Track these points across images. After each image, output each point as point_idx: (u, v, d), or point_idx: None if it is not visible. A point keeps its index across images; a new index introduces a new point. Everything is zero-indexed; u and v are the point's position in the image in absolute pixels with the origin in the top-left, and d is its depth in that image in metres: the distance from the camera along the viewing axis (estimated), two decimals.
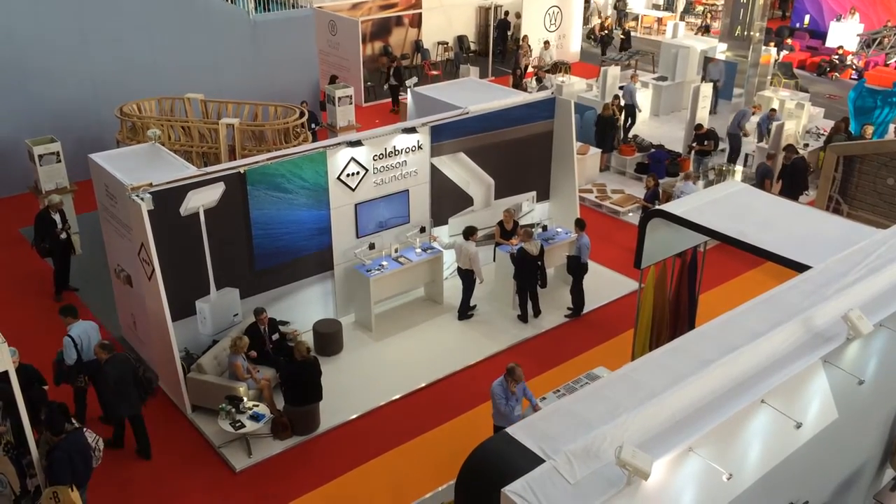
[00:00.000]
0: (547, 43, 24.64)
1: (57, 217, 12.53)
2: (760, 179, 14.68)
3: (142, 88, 16.22)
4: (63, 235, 12.52)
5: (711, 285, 12.58)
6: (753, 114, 18.38)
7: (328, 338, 11.36)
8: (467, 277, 12.05)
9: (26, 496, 7.83)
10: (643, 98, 20.35)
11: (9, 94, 15.67)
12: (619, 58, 23.28)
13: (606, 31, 26.76)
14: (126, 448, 9.61)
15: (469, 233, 11.88)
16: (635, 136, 18.69)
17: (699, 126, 17.11)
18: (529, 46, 23.95)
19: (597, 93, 20.60)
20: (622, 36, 26.82)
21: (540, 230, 13.15)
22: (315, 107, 18.79)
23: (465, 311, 12.26)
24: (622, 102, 18.91)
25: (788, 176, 15.13)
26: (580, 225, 12.27)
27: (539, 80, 21.39)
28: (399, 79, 21.01)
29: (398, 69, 21.09)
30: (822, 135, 17.97)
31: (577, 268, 12.29)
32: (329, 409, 10.13)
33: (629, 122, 19.42)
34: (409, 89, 14.52)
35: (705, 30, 28.60)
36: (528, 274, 11.91)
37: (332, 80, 19.01)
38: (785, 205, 9.54)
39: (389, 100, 21.98)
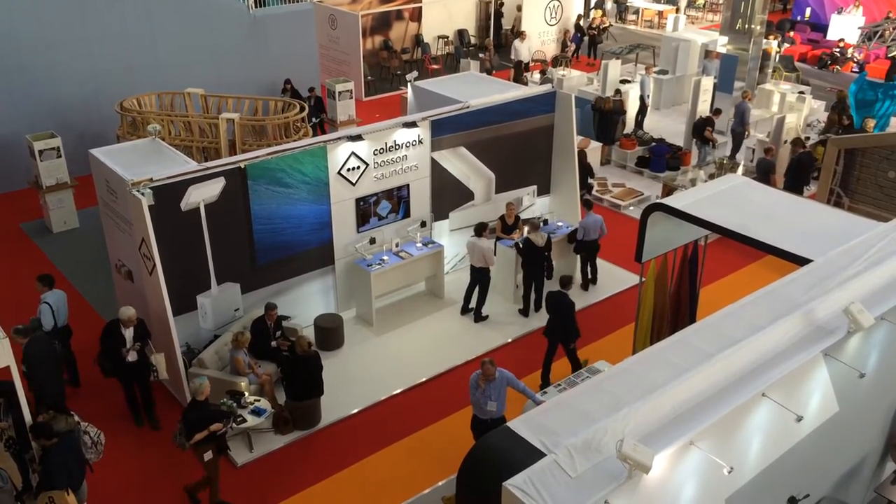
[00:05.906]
0: (522, 34, 23.90)
1: (129, 333, 9.57)
2: (765, 175, 14.53)
3: (142, 83, 16.23)
4: (132, 357, 9.59)
5: (712, 279, 12.58)
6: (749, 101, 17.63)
7: (329, 332, 11.36)
8: (482, 276, 11.87)
9: (28, 491, 7.84)
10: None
11: (10, 89, 15.67)
12: (619, 51, 23.12)
13: (580, 35, 25.98)
14: (127, 442, 9.64)
15: (480, 229, 11.81)
16: (636, 130, 18.64)
17: (718, 111, 17.26)
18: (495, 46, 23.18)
19: (598, 87, 20.55)
20: (593, 32, 26.09)
21: (541, 224, 13.13)
22: (315, 101, 18.73)
23: (481, 314, 12.07)
24: (620, 96, 18.84)
25: (793, 170, 15.08)
26: (587, 204, 12.69)
27: (542, 73, 21.28)
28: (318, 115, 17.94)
29: (318, 100, 18.06)
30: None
31: (574, 242, 12.73)
32: (330, 403, 10.14)
33: (642, 114, 19.39)
34: (409, 83, 14.48)
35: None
36: (535, 265, 11.90)
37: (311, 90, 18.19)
38: (786, 198, 9.54)
39: (390, 94, 21.94)
